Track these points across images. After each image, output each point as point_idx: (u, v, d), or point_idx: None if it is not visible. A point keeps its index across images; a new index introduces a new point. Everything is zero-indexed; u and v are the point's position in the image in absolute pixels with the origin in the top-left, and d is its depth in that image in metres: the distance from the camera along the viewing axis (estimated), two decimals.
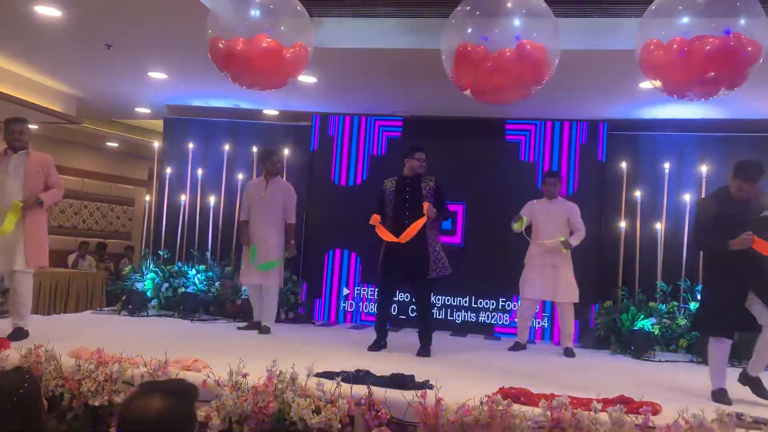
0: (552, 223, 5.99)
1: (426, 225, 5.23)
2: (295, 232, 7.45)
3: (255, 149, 7.54)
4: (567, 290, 5.96)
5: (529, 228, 6.06)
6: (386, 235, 5.29)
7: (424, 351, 5.28)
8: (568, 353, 5.86)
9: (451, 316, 7.19)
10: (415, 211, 5.30)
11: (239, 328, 6.20)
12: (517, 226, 5.90)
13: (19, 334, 4.71)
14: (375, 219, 5.36)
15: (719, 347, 4.14)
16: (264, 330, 5.99)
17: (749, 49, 3.79)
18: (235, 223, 7.27)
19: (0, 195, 4.83)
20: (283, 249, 6.17)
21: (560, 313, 6.07)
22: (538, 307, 6.38)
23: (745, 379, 4.16)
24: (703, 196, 6.55)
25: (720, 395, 4.04)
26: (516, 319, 6.39)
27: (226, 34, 4.60)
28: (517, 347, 6.01)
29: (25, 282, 4.86)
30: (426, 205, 5.24)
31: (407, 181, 5.44)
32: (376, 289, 5.63)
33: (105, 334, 5.23)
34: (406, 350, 5.30)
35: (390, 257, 5.35)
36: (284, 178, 6.74)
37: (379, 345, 5.40)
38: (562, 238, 5.89)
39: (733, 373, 4.20)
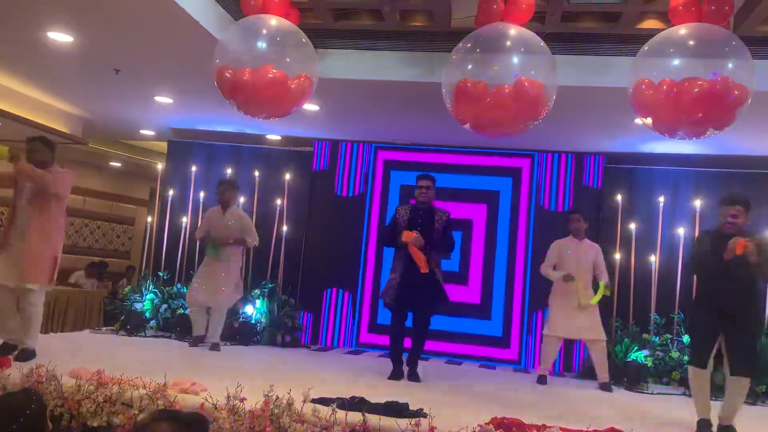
0: (582, 264, 5.88)
1: (431, 257, 5.27)
2: (294, 256, 7.57)
3: (257, 173, 7.66)
4: (594, 328, 5.84)
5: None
6: (421, 260, 5.16)
7: (414, 376, 5.27)
8: (605, 388, 5.74)
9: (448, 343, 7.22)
10: (427, 244, 5.27)
11: (190, 346, 6.20)
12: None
13: (24, 355, 4.51)
14: (409, 236, 5.15)
15: (694, 376, 4.26)
16: (214, 347, 6.13)
17: (736, 92, 3.91)
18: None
19: (19, 219, 4.71)
20: (240, 273, 6.62)
21: (591, 349, 5.92)
22: (561, 344, 6.12)
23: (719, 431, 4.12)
24: (696, 230, 6.67)
25: (702, 426, 4.10)
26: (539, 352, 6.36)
27: (234, 64, 4.73)
28: (543, 380, 5.85)
29: (30, 299, 4.63)
30: (414, 233, 5.19)
31: (420, 212, 5.42)
32: (391, 318, 5.52)
33: (104, 354, 5.28)
34: (402, 378, 5.34)
35: (405, 286, 5.29)
36: (284, 201, 6.76)
37: (398, 374, 5.31)
38: (604, 283, 5.81)
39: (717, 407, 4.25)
